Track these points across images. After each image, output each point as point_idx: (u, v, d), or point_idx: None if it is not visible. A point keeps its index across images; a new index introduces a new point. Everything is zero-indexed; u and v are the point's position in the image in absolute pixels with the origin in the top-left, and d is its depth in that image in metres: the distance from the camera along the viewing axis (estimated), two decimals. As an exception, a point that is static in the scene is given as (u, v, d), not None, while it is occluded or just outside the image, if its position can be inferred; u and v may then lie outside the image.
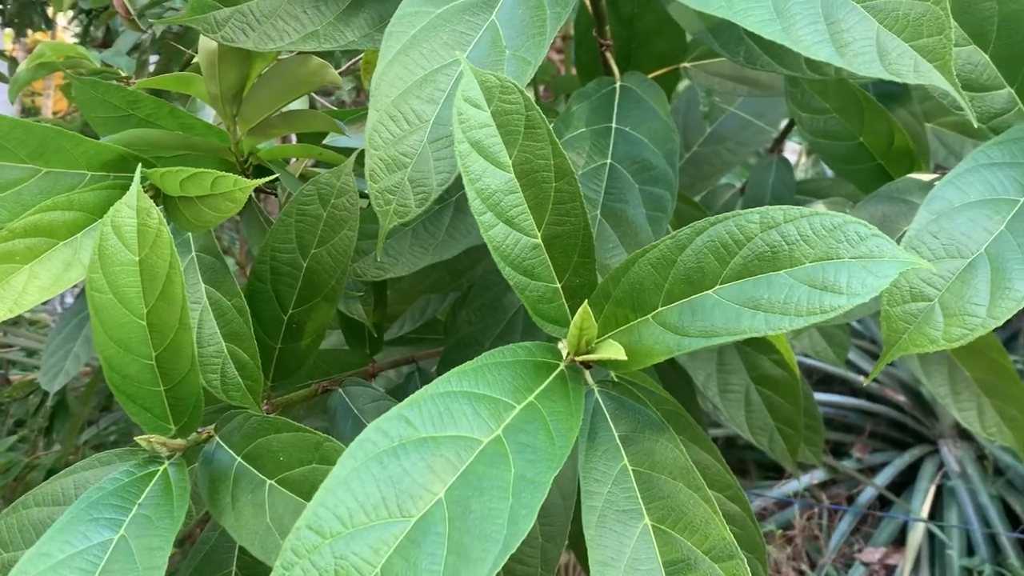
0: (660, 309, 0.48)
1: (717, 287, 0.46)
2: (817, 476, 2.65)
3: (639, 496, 0.49)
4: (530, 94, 1.03)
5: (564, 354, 0.52)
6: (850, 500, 2.66)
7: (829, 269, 0.43)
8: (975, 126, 0.45)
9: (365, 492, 0.40)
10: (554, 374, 0.50)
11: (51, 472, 1.80)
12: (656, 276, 0.48)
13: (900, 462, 2.65)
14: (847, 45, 0.45)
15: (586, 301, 0.50)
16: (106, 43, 1.54)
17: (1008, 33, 0.53)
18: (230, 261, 2.35)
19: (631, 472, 0.49)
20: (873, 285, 0.42)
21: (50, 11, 1.83)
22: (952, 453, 2.60)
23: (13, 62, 2.81)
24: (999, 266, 0.46)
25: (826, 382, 2.93)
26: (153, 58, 1.52)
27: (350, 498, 0.40)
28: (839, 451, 2.84)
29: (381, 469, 0.40)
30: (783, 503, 2.63)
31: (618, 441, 0.50)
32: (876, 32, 0.45)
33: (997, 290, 0.46)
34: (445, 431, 0.43)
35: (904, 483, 2.62)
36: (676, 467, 0.49)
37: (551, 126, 0.79)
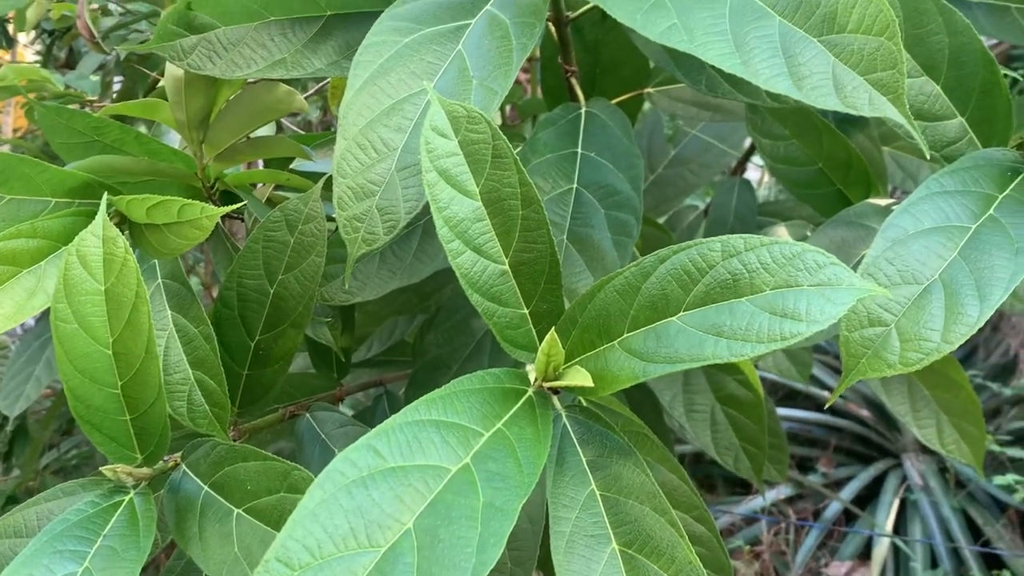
0: (626, 335, 0.49)
1: (681, 314, 0.47)
2: (784, 491, 2.67)
3: (607, 521, 0.49)
4: (497, 116, 1.04)
5: (532, 379, 0.53)
6: (816, 514, 2.69)
7: (789, 296, 0.44)
8: (927, 156, 0.46)
9: (334, 523, 0.40)
10: (522, 400, 0.50)
11: (11, 499, 1.76)
12: (621, 303, 0.49)
13: (865, 476, 2.68)
14: (804, 78, 0.46)
15: (553, 328, 0.50)
16: (69, 63, 1.53)
17: (958, 65, 0.55)
18: (194, 281, 2.33)
19: (599, 497, 0.50)
20: (831, 312, 0.43)
21: (11, 29, 1.81)
22: (915, 467, 2.64)
23: (-28, 80, 2.77)
24: (953, 292, 0.48)
25: (791, 397, 2.96)
26: (118, 78, 1.51)
27: (319, 529, 0.40)
28: (805, 466, 2.87)
29: (350, 499, 0.41)
30: (751, 519, 2.65)
31: (586, 466, 0.51)
32: (832, 66, 0.46)
33: (951, 315, 0.47)
34: (414, 460, 0.43)
35: (869, 496, 2.66)
36: (643, 491, 0.50)
37: (518, 152, 0.80)
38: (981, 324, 0.47)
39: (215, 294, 1.61)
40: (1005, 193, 0.51)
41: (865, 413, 2.85)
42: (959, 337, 0.46)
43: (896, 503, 2.56)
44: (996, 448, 2.47)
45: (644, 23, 0.50)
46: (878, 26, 0.45)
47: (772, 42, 0.47)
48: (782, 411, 2.81)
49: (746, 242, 0.46)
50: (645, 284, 0.48)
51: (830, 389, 2.86)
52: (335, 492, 0.41)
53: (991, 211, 0.51)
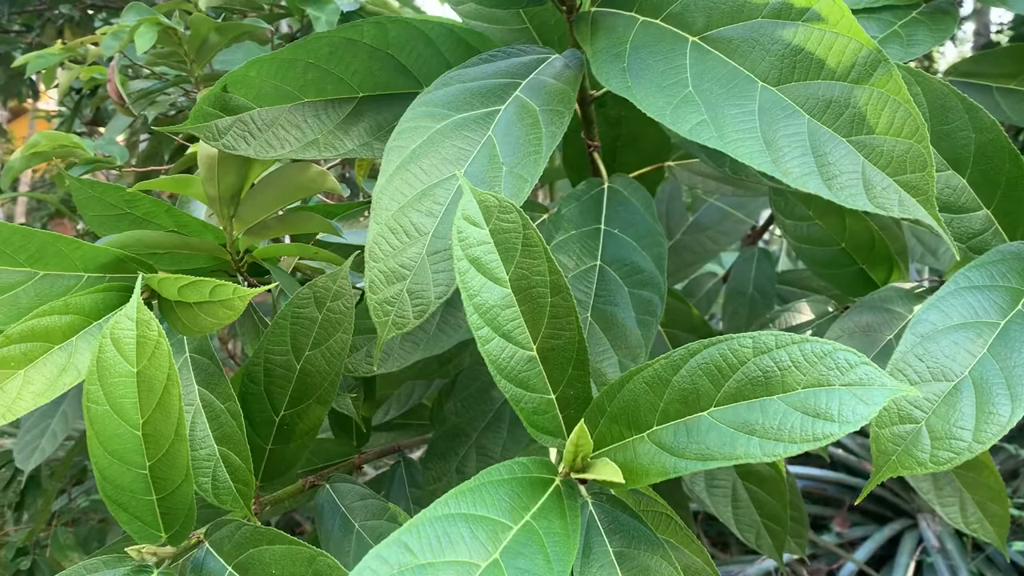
0: (655, 428, 0.49)
1: (712, 409, 0.47)
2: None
3: (634, 614, 0.49)
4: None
5: (558, 466, 0.53)
6: (830, 575, 2.64)
7: (821, 396, 0.44)
8: (956, 256, 0.47)
9: (365, 623, 0.40)
10: (550, 490, 0.50)
11: (20, 551, 1.76)
12: (651, 395, 0.49)
13: (880, 536, 2.64)
14: (834, 178, 0.47)
15: (583, 419, 0.50)
16: (96, 121, 1.56)
17: (983, 160, 0.56)
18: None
19: (627, 589, 0.50)
20: (863, 413, 0.43)
21: (41, 86, 1.85)
22: (931, 528, 2.60)
23: (-2, 130, 2.82)
24: (983, 389, 0.48)
25: (804, 455, 2.93)
26: (144, 136, 1.54)
27: (350, 629, 0.39)
28: (818, 525, 2.83)
29: (381, 598, 0.40)
30: (764, 579, 2.60)
31: (613, 557, 0.51)
32: (862, 166, 0.47)
33: (982, 414, 0.47)
34: (444, 556, 0.43)
35: (884, 557, 2.61)
36: (671, 585, 0.50)
37: (538, 223, 0.80)
38: (1014, 423, 0.46)
39: (230, 347, 1.60)
40: (1033, 288, 0.52)
41: (880, 471, 2.82)
42: (991, 437, 0.46)
43: (912, 565, 2.51)
44: (1015, 512, 2.43)
45: (674, 119, 0.51)
46: (907, 129, 0.46)
47: (801, 141, 0.48)
48: (795, 469, 2.78)
49: (777, 339, 0.46)
50: (675, 377, 0.49)
51: (844, 447, 2.83)
52: (366, 590, 0.41)
53: (1019, 306, 0.51)
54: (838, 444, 2.79)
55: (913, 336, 0.49)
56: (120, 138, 1.30)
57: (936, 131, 0.55)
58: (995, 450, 2.69)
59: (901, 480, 2.75)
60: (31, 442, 1.41)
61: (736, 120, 0.49)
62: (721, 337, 0.48)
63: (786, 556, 2.58)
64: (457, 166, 0.57)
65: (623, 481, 0.47)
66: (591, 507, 0.53)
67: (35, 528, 1.81)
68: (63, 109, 2.25)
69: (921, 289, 0.67)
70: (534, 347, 0.53)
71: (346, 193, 0.84)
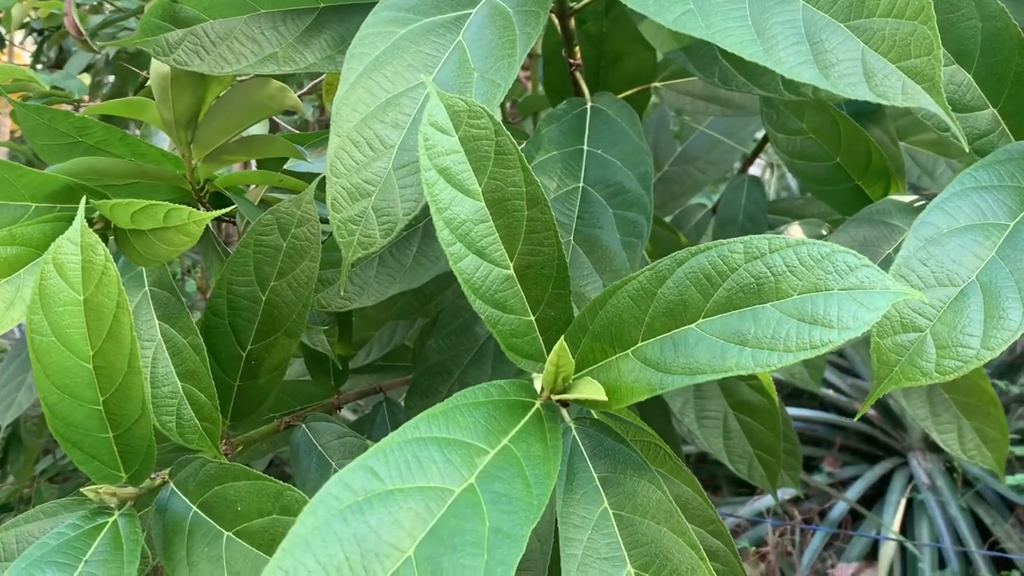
0: (640, 344, 0.46)
1: (700, 321, 0.44)
2: (789, 492, 2.64)
3: (621, 542, 0.46)
4: (497, 113, 1.00)
5: (539, 391, 0.49)
6: (822, 514, 2.66)
7: (818, 301, 0.41)
8: (966, 150, 0.43)
9: (327, 553, 0.37)
10: (529, 414, 0.47)
11: (4, 507, 1.73)
12: (635, 309, 0.46)
13: (871, 475, 2.65)
14: (831, 66, 0.43)
15: (562, 337, 0.47)
16: (59, 64, 1.50)
17: (991, 52, 0.52)
18: (191, 284, 2.30)
19: (612, 516, 0.47)
20: (864, 318, 0.40)
21: (2, 30, 1.78)
22: (921, 466, 2.61)
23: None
24: (992, 294, 0.45)
25: (795, 396, 2.93)
26: (109, 77, 1.48)
27: (311, 559, 0.36)
28: (810, 465, 2.83)
29: (345, 527, 0.37)
30: (756, 518, 2.62)
31: (598, 483, 0.48)
32: (861, 53, 0.43)
33: (990, 319, 0.44)
34: (414, 482, 0.40)
35: (875, 496, 2.62)
36: (659, 510, 0.47)
37: (521, 148, 0.76)
38: (1024, 328, 0.43)
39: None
40: (1043, 188, 0.48)
41: (871, 411, 2.82)
42: (1000, 343, 0.43)
43: (903, 503, 2.52)
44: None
45: (657, 9, 0.46)
46: (911, 9, 0.42)
47: (796, 28, 0.44)
48: (787, 409, 2.78)
49: (771, 243, 0.42)
50: (661, 289, 0.45)
51: (835, 387, 2.83)
52: (329, 518, 0.38)
53: (1029, 207, 0.47)
54: (829, 385, 2.78)
55: (916, 240, 0.46)
56: (81, 78, 1.24)
57: (941, 20, 0.50)
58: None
59: (892, 419, 2.76)
60: (7, 396, 1.38)
61: (725, 8, 0.45)
62: (710, 244, 0.44)
63: (778, 495, 2.59)
64: (425, 73, 0.53)
65: (605, 399, 0.44)
66: (574, 432, 0.50)
67: (19, 484, 1.79)
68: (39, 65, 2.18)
69: (921, 203, 0.63)
70: (511, 265, 0.50)
71: (308, 111, 0.79)
